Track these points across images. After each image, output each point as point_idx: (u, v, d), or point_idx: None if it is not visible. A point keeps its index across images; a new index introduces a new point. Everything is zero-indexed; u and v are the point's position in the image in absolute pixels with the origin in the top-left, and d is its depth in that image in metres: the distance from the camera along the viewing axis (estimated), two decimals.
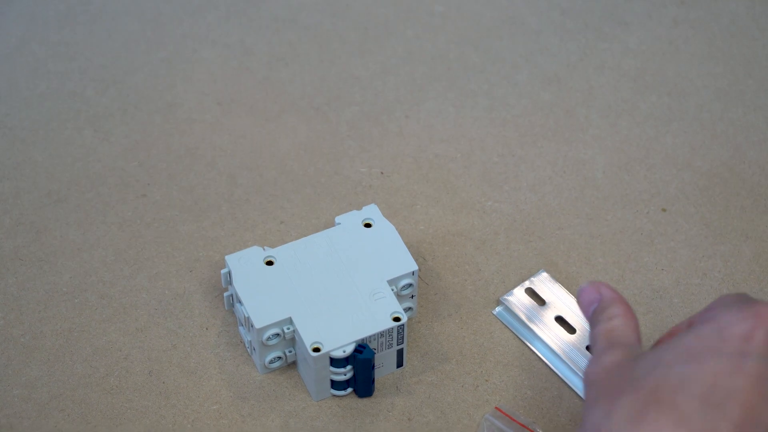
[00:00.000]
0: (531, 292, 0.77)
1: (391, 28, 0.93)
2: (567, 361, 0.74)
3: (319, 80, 0.89)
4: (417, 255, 0.79)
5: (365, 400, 0.73)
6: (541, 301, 0.77)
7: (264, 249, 0.74)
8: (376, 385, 0.73)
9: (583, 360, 0.74)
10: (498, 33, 0.93)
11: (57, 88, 0.89)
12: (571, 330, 0.76)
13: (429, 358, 0.74)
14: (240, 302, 0.72)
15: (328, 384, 0.72)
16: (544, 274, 0.78)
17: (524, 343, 0.76)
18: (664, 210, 0.82)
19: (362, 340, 0.71)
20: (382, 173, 0.84)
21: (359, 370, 0.71)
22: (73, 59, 0.91)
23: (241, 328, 0.74)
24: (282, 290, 0.72)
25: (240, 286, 0.72)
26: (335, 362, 0.71)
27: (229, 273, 0.73)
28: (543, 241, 0.80)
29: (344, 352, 0.70)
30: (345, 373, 0.71)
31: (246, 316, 0.71)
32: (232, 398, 0.72)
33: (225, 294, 0.75)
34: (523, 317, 0.76)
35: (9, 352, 0.74)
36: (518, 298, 0.77)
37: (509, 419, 0.71)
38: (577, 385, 0.74)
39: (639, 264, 0.79)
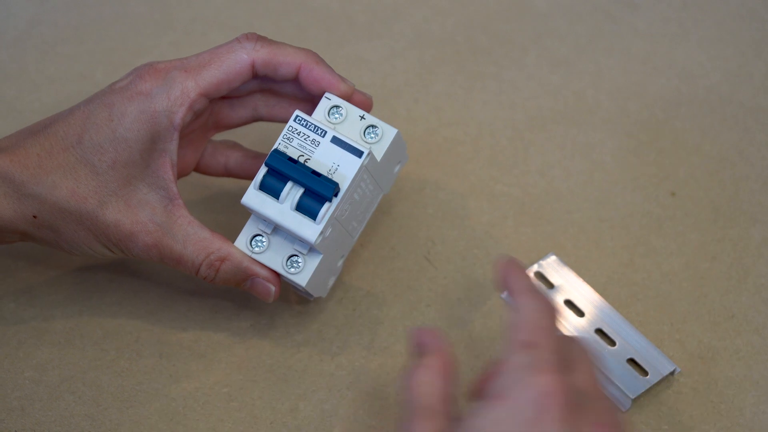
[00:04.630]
0: (540, 276, 0.77)
1: (399, 11, 0.93)
2: None
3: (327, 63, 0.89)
4: (426, 239, 0.79)
5: (375, 385, 0.73)
6: (549, 285, 0.77)
7: None
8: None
9: (590, 341, 0.74)
10: (506, 15, 0.93)
11: (66, 70, 0.89)
12: (579, 313, 0.76)
13: None
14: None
15: (301, 217, 0.68)
16: (553, 258, 0.78)
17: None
18: (673, 194, 0.82)
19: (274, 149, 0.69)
20: None
21: (286, 171, 0.68)
22: (82, 42, 0.91)
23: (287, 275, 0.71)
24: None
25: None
26: (265, 185, 0.68)
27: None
28: (552, 224, 0.81)
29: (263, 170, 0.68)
30: (289, 191, 0.69)
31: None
32: (242, 381, 0.73)
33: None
34: None
35: (20, 335, 0.74)
36: None
37: None
38: None
39: (648, 248, 0.79)
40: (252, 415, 0.72)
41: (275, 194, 0.69)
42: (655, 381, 0.73)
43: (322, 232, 0.68)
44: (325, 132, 0.69)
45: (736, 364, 0.74)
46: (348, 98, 0.71)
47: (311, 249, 0.70)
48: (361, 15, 0.93)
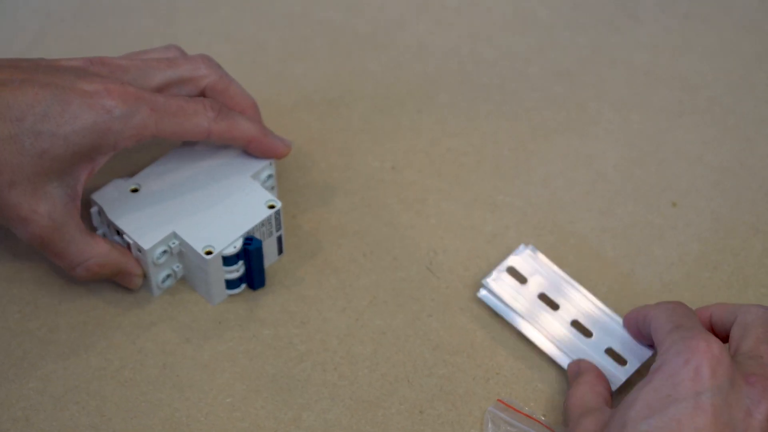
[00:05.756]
0: (512, 271, 0.77)
1: (403, 23, 0.93)
2: (550, 338, 0.74)
3: (331, 75, 0.90)
4: (428, 249, 0.80)
5: (377, 395, 0.73)
6: (522, 280, 0.77)
7: (125, 179, 0.77)
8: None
9: (566, 335, 0.74)
10: (510, 27, 0.93)
11: None
12: (554, 306, 0.75)
13: (440, 351, 0.75)
14: (120, 233, 0.75)
15: (223, 285, 0.76)
16: (526, 250, 0.77)
17: (508, 322, 0.76)
18: (674, 204, 0.82)
19: (247, 233, 0.75)
20: (392, 168, 0.84)
21: (252, 261, 0.75)
22: (88, 55, 0.91)
23: None
24: (156, 210, 0.75)
25: (115, 217, 0.75)
26: (227, 260, 0.74)
27: (99, 210, 0.76)
28: (554, 234, 0.81)
29: (235, 248, 0.74)
30: (238, 270, 0.75)
31: (131, 242, 0.74)
32: (246, 391, 0.73)
33: (97, 233, 0.77)
34: (507, 298, 0.76)
35: (25, 345, 0.75)
36: (500, 278, 0.76)
37: (513, 410, 0.72)
38: (560, 359, 0.74)
39: (649, 258, 0.80)
40: (255, 424, 0.72)
41: (228, 265, 0.75)
42: (635, 369, 0.72)
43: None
44: (281, 236, 0.78)
45: None
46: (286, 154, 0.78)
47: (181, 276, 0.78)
48: (365, 27, 0.93)
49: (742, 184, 0.83)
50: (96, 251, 0.73)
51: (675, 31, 0.93)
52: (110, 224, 0.75)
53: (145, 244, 0.74)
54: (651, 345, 0.73)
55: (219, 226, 0.75)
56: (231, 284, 0.76)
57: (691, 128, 0.87)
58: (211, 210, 0.76)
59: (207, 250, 0.74)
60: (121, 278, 0.75)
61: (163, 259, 0.75)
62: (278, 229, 0.77)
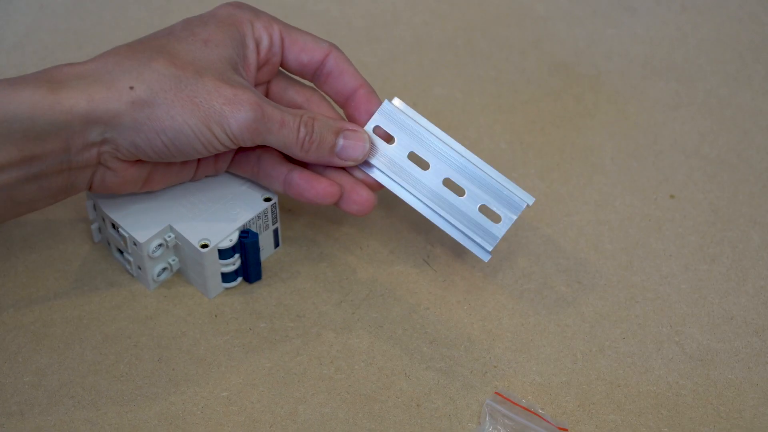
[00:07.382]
0: (380, 130, 0.73)
1: (398, 15, 0.93)
2: (426, 201, 0.72)
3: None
4: (425, 242, 0.79)
5: (374, 388, 0.73)
6: (389, 139, 0.73)
7: None
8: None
9: (440, 196, 0.72)
10: (506, 19, 0.93)
11: None
12: (424, 166, 0.73)
13: (438, 345, 0.75)
14: (115, 227, 0.75)
15: (219, 279, 0.76)
16: (390, 106, 0.73)
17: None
18: (672, 196, 0.82)
19: (243, 226, 0.75)
20: None
21: (248, 254, 0.75)
22: (81, 47, 0.91)
23: (117, 255, 0.77)
24: (151, 203, 0.75)
25: (111, 210, 0.75)
26: (223, 254, 0.74)
27: (94, 204, 0.76)
28: (551, 227, 0.81)
29: (231, 241, 0.74)
30: (234, 263, 0.75)
31: (126, 236, 0.74)
32: (241, 385, 0.73)
33: (92, 226, 0.78)
34: (378, 163, 0.73)
35: (19, 340, 0.74)
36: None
37: (510, 403, 0.72)
38: (441, 223, 0.72)
39: (647, 250, 0.79)
40: (251, 418, 0.72)
41: (224, 258, 0.75)
42: (510, 224, 0.70)
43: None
44: (277, 229, 0.78)
45: (736, 366, 0.74)
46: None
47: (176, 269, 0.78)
48: (360, 19, 0.93)
49: (740, 176, 0.83)
50: (301, 111, 0.71)
51: (671, 23, 0.92)
52: (105, 218, 0.75)
53: (141, 238, 0.74)
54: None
55: (215, 219, 0.75)
56: (227, 277, 0.76)
57: (687, 120, 0.87)
58: (207, 203, 0.75)
59: (203, 243, 0.74)
60: (345, 147, 0.72)
61: (158, 253, 0.75)
62: (274, 222, 0.77)
